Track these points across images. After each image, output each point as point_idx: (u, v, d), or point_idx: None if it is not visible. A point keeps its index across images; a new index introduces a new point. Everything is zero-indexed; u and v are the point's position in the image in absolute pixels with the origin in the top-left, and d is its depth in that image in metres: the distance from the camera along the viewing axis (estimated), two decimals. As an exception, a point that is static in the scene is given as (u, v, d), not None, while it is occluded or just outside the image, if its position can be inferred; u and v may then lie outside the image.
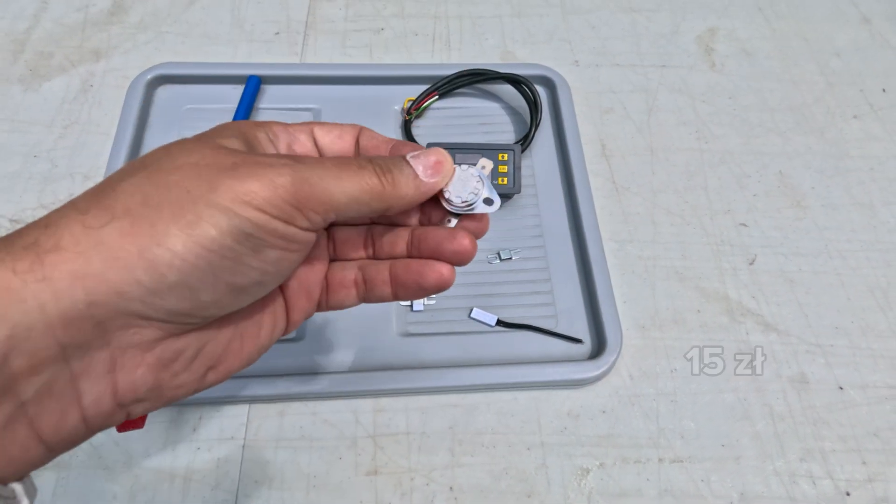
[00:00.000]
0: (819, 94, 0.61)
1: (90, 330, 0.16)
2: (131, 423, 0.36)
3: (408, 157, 0.23)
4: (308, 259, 0.24)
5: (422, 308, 0.46)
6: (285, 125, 0.24)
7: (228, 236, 0.17)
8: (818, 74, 0.63)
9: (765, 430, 0.43)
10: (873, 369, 0.46)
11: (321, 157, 0.22)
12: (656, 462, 0.42)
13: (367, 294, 0.26)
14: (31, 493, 0.17)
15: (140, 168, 0.18)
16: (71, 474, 0.39)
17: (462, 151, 0.49)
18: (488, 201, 0.26)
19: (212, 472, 0.40)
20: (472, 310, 0.46)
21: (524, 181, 0.52)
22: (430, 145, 0.49)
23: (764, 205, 0.54)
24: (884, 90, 0.62)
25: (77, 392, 0.17)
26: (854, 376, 0.46)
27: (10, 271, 0.15)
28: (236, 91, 0.55)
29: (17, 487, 0.17)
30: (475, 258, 0.49)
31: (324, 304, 0.26)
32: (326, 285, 0.26)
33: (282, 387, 0.41)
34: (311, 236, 0.21)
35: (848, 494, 0.41)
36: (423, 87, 0.56)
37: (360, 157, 0.23)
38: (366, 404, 0.43)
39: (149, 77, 0.54)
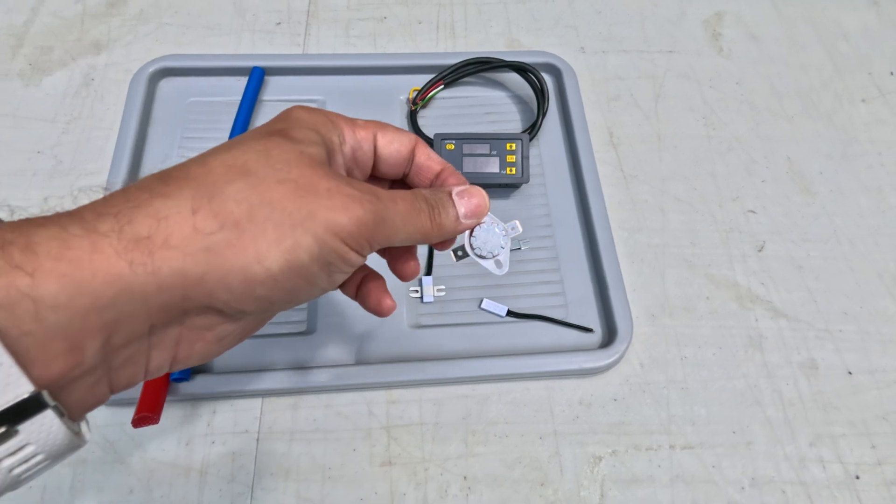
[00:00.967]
0: (827, 78, 0.61)
1: (175, 315, 0.19)
2: (146, 418, 0.36)
3: (454, 195, 0.26)
4: None
5: (432, 299, 0.46)
6: (352, 125, 0.26)
7: (315, 263, 0.20)
8: (826, 58, 0.62)
9: (775, 415, 0.43)
10: (882, 354, 0.46)
11: (393, 194, 0.23)
12: (667, 449, 0.42)
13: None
14: (87, 425, 0.19)
15: (244, 174, 0.19)
16: (87, 469, 0.39)
17: (470, 141, 0.49)
18: (499, 263, 0.29)
19: (227, 465, 0.40)
20: (482, 300, 0.46)
21: (533, 170, 0.52)
22: (436, 136, 0.49)
23: (772, 191, 0.54)
24: (892, 73, 0.61)
25: (148, 358, 0.20)
26: (863, 361, 0.46)
27: (126, 263, 0.17)
28: (240, 83, 0.54)
29: (84, 426, 0.19)
30: None
31: None
32: None
33: (294, 380, 0.41)
34: (364, 260, 0.23)
35: (857, 478, 0.41)
36: (428, 77, 0.55)
37: (418, 196, 0.24)
38: (379, 396, 0.43)
39: (151, 70, 0.53)
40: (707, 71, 0.60)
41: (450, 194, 0.26)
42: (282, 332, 0.44)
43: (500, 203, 0.51)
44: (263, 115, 0.54)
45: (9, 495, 0.18)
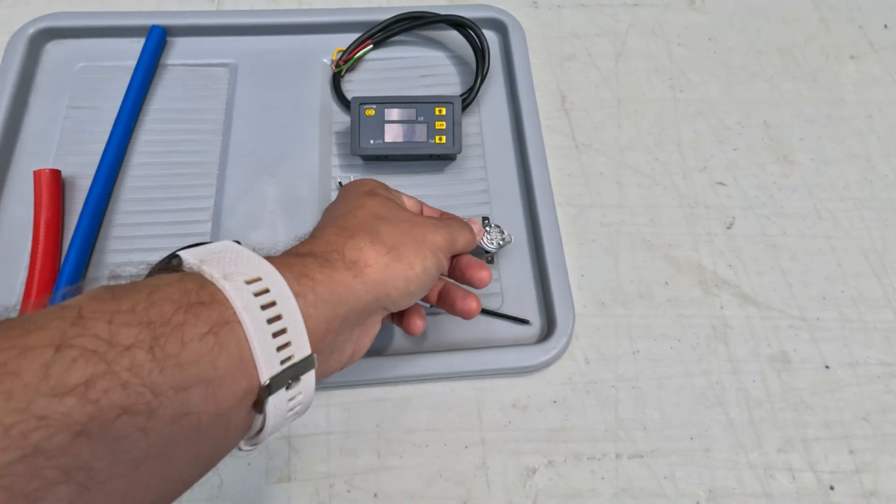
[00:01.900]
0: (812, 32, 0.54)
1: (366, 314, 0.28)
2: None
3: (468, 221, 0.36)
4: None
5: (347, 289, 0.40)
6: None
7: (434, 267, 0.30)
8: (812, 9, 0.55)
9: (739, 417, 0.38)
10: (865, 344, 0.40)
11: (448, 220, 0.34)
12: (613, 458, 0.36)
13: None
14: None
15: (383, 219, 0.29)
16: None
17: (393, 105, 0.43)
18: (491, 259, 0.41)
19: (99, 484, 0.34)
20: (405, 290, 0.40)
21: (471, 140, 0.46)
22: (354, 100, 0.42)
23: (745, 161, 0.47)
24: (886, 26, 0.54)
25: (348, 349, 0.28)
26: (843, 353, 0.40)
27: (351, 276, 0.26)
28: (138, 45, 0.48)
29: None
30: None
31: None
32: None
33: (181, 384, 0.36)
34: (448, 265, 0.33)
35: (832, 488, 0.36)
36: (355, 35, 0.48)
37: (456, 218, 0.36)
38: (281, 401, 0.37)
39: (32, 30, 0.46)
40: (676, 26, 0.53)
41: (467, 222, 0.36)
42: (171, 329, 0.38)
43: (432, 178, 0.44)
44: (165, 81, 0.47)
45: None
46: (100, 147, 0.43)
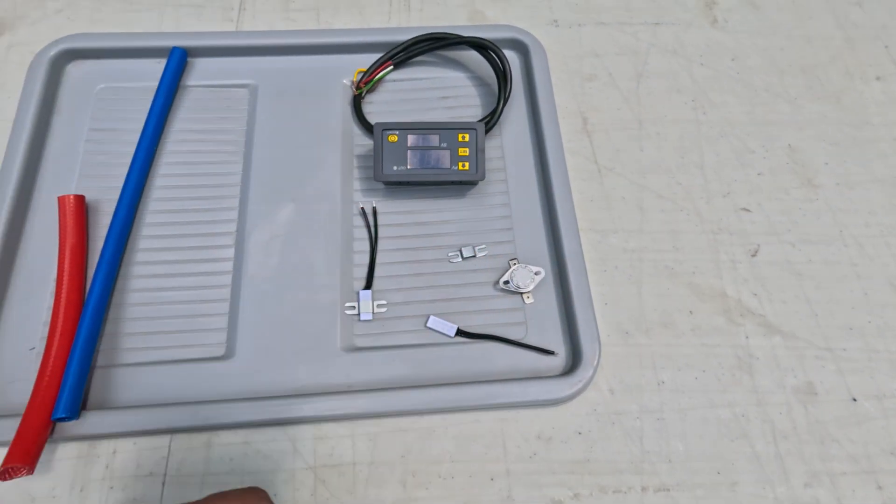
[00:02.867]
0: (836, 51, 0.53)
1: None
2: (14, 469, 0.31)
3: None
4: None
5: (370, 317, 0.40)
6: None
7: None
8: (836, 28, 0.54)
9: (765, 450, 0.37)
10: (891, 376, 0.40)
11: None
12: (639, 491, 0.36)
13: None
14: None
15: None
16: (-38, 523, 0.34)
17: (416, 131, 0.42)
18: (528, 296, 0.41)
19: (126, 515, 0.35)
20: (428, 318, 0.40)
21: (493, 163, 0.45)
22: (377, 125, 0.42)
23: (769, 185, 0.47)
24: (911, 45, 0.54)
25: None
26: (869, 385, 0.40)
27: None
28: (160, 66, 0.48)
29: None
30: (433, 257, 0.42)
31: None
32: None
33: (207, 415, 0.36)
34: None
35: (859, 524, 0.36)
36: (375, 56, 0.48)
37: None
38: (306, 431, 0.37)
39: (54, 52, 0.46)
40: (698, 45, 0.53)
41: None
42: (195, 356, 0.38)
43: (453, 203, 0.44)
44: (186, 102, 0.47)
45: None
46: (122, 170, 0.43)
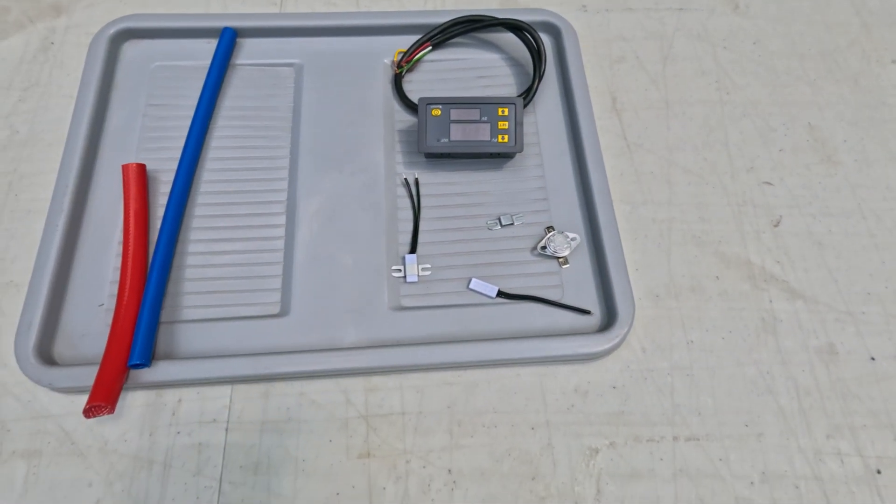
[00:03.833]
0: (854, 36, 0.55)
1: None
2: (98, 408, 0.33)
3: None
4: None
5: (416, 279, 0.42)
6: None
7: None
8: (853, 14, 0.57)
9: (789, 405, 0.40)
10: (909, 338, 0.42)
11: None
12: (671, 441, 0.39)
13: None
14: None
15: None
16: (42, 462, 0.37)
17: (458, 106, 0.45)
18: (565, 260, 0.43)
19: (193, 457, 0.37)
20: (470, 280, 0.42)
21: (528, 139, 0.48)
22: (421, 100, 0.45)
23: (791, 161, 0.49)
24: (926, 31, 0.56)
25: None
26: (887, 346, 0.42)
27: None
28: (210, 46, 0.50)
29: None
30: (472, 225, 0.44)
31: None
32: None
33: (266, 365, 0.38)
34: None
35: (879, 472, 0.38)
36: (414, 38, 0.51)
37: None
38: (357, 383, 0.40)
39: (112, 31, 0.49)
40: (721, 30, 0.55)
41: None
42: (253, 314, 0.41)
43: (491, 175, 0.47)
44: (235, 81, 0.50)
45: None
46: (177, 143, 0.46)
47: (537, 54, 0.49)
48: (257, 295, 0.42)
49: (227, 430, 0.38)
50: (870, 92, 0.52)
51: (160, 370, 0.37)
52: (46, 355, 0.38)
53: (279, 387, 0.39)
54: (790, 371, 0.41)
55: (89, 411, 0.34)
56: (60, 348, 0.39)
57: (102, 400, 0.33)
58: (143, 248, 0.41)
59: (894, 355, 0.42)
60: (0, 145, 0.46)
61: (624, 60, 0.53)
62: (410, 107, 0.48)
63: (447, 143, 0.44)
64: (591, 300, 0.42)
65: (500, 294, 0.42)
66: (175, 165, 0.44)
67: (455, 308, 0.41)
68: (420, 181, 0.46)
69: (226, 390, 0.39)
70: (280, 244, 0.43)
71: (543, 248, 0.43)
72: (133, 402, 0.38)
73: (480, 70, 0.51)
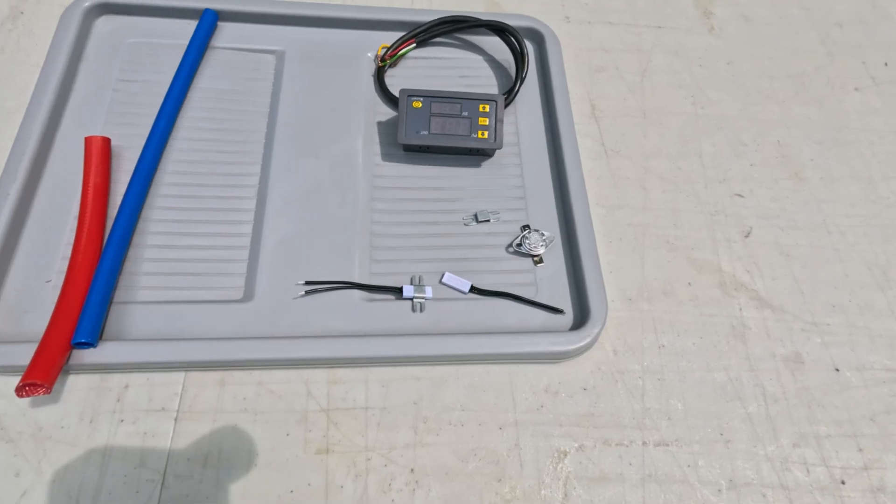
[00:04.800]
0: (819, 63, 0.58)
1: None
2: (34, 386, 0.31)
3: None
4: None
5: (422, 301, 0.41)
6: None
7: None
8: (819, 44, 0.59)
9: (757, 411, 0.40)
10: (870, 350, 0.43)
11: None
12: (640, 445, 0.38)
13: None
14: None
15: None
16: (-34, 447, 0.33)
17: (439, 99, 0.44)
18: (539, 259, 0.43)
19: (136, 447, 0.34)
20: (443, 274, 0.41)
21: (507, 139, 0.48)
22: (402, 91, 0.44)
23: (761, 175, 0.50)
24: (886, 64, 0.59)
25: None
26: (850, 357, 0.42)
27: None
28: (189, 26, 0.49)
29: None
30: (449, 220, 0.43)
31: None
32: None
33: (223, 351, 0.36)
34: None
35: (843, 483, 0.38)
36: (399, 34, 0.51)
37: None
38: (319, 375, 0.38)
39: (87, 4, 0.47)
40: (696, 49, 0.57)
41: None
42: (214, 298, 0.39)
43: (469, 171, 0.46)
44: (214, 63, 0.48)
45: None
46: (147, 120, 0.44)
47: (520, 56, 0.49)
48: (220, 279, 0.40)
49: (176, 419, 0.36)
50: (834, 115, 0.55)
51: (107, 351, 0.35)
52: (-19, 331, 0.35)
53: (236, 375, 0.37)
54: (758, 378, 0.41)
55: (23, 389, 0.31)
56: (-1, 325, 0.36)
57: (39, 377, 0.31)
58: (100, 224, 0.39)
59: (857, 366, 0.42)
60: (-47, 110, 0.44)
61: (604, 70, 0.54)
62: (391, 100, 0.48)
63: (427, 135, 0.44)
64: (564, 299, 0.42)
65: (473, 290, 0.41)
66: (143, 143, 0.43)
67: (426, 301, 0.40)
68: (398, 174, 0.45)
69: (178, 377, 0.37)
70: (248, 228, 0.42)
71: (519, 245, 0.42)
72: (74, 385, 0.36)
73: (463, 69, 0.51)
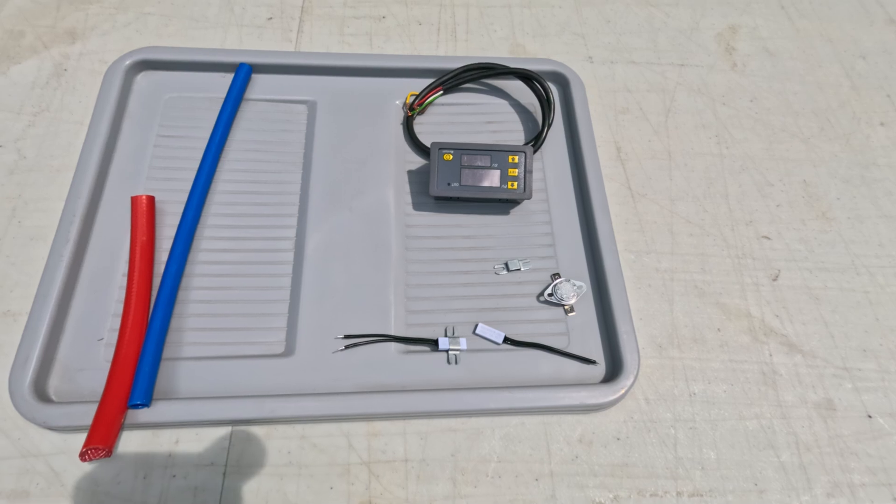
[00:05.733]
0: (844, 97, 0.58)
1: None
2: (96, 451, 0.32)
3: None
4: None
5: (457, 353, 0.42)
6: None
7: None
8: (843, 77, 0.59)
9: (790, 460, 0.40)
10: (903, 395, 0.43)
11: None
12: (674, 496, 0.38)
13: None
14: None
15: None
16: (30, 502, 0.35)
17: (470, 152, 0.46)
18: (571, 308, 0.44)
19: (188, 502, 0.36)
20: (476, 325, 0.42)
21: (535, 185, 0.49)
22: (434, 144, 0.45)
23: (787, 216, 0.50)
24: (911, 96, 0.59)
25: None
26: (883, 403, 0.43)
27: None
28: (224, 80, 0.51)
29: None
30: (481, 269, 0.44)
31: None
32: None
33: (268, 408, 0.37)
34: None
35: (878, 532, 0.38)
36: (426, 81, 0.52)
37: None
38: (359, 427, 0.39)
39: (128, 62, 0.49)
40: (720, 86, 0.58)
41: None
42: (256, 353, 0.40)
43: (498, 219, 0.47)
44: (248, 115, 0.50)
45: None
46: (186, 174, 0.46)
47: (546, 102, 0.50)
48: (262, 333, 0.41)
49: (224, 473, 0.37)
50: (860, 152, 0.55)
51: (159, 410, 0.36)
52: (41, 391, 0.37)
53: (281, 429, 0.39)
54: (790, 426, 0.41)
55: (86, 454, 0.33)
56: (56, 383, 0.38)
57: (100, 442, 0.32)
58: (147, 282, 0.40)
59: (890, 412, 0.42)
60: (7, 169, 0.46)
61: (628, 111, 0.55)
62: (421, 149, 0.49)
63: (458, 187, 0.45)
64: (596, 348, 0.42)
65: (507, 340, 0.42)
66: (184, 197, 0.44)
67: (461, 353, 0.41)
68: (428, 223, 0.46)
69: (225, 431, 0.38)
70: (287, 281, 0.43)
71: (550, 295, 0.43)
72: (128, 442, 0.37)
73: (489, 115, 0.52)
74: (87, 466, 0.36)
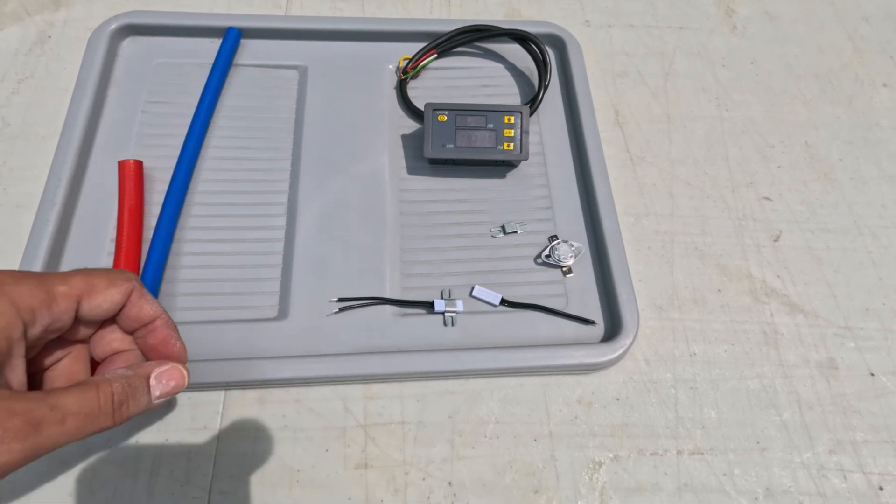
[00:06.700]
0: (846, 60, 0.57)
1: None
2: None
3: (152, 379, 0.28)
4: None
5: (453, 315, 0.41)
6: (48, 304, 0.25)
7: None
8: (846, 40, 0.58)
9: (792, 419, 0.40)
10: (906, 354, 0.43)
11: (63, 409, 0.24)
12: (675, 454, 0.38)
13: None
14: None
15: None
16: (21, 470, 0.34)
17: (465, 113, 0.45)
18: (569, 269, 0.43)
19: (182, 466, 0.35)
20: (473, 288, 0.41)
21: (532, 148, 0.48)
22: (427, 105, 0.44)
23: (789, 177, 0.50)
24: (914, 58, 0.58)
25: None
26: (886, 362, 0.42)
27: None
28: (213, 45, 0.50)
29: None
30: (477, 232, 0.44)
31: None
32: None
33: (262, 370, 0.37)
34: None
35: (881, 489, 0.38)
36: (419, 45, 0.51)
37: (103, 395, 0.26)
38: (356, 391, 0.38)
39: (113, 27, 0.48)
40: (719, 49, 0.56)
41: (147, 379, 0.28)
42: (249, 317, 0.40)
43: (495, 183, 0.46)
44: (238, 80, 0.49)
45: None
46: (175, 140, 0.45)
47: (542, 64, 0.49)
48: (254, 298, 0.40)
49: (218, 437, 0.36)
50: (863, 113, 0.54)
51: (151, 373, 0.36)
52: (30, 355, 0.36)
53: (275, 393, 0.38)
54: (792, 385, 0.41)
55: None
56: (45, 348, 0.37)
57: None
58: (136, 247, 0.39)
59: (893, 371, 0.42)
60: (-10, 137, 0.45)
61: (626, 75, 0.54)
62: (415, 113, 0.48)
63: (452, 149, 0.44)
64: (594, 310, 0.42)
65: (504, 302, 0.41)
66: (172, 163, 0.43)
67: (458, 315, 0.41)
68: (423, 187, 0.46)
69: (219, 395, 0.38)
70: (279, 246, 0.42)
71: (547, 256, 0.42)
72: (120, 406, 0.37)
73: (484, 79, 0.51)
74: (79, 431, 0.36)
